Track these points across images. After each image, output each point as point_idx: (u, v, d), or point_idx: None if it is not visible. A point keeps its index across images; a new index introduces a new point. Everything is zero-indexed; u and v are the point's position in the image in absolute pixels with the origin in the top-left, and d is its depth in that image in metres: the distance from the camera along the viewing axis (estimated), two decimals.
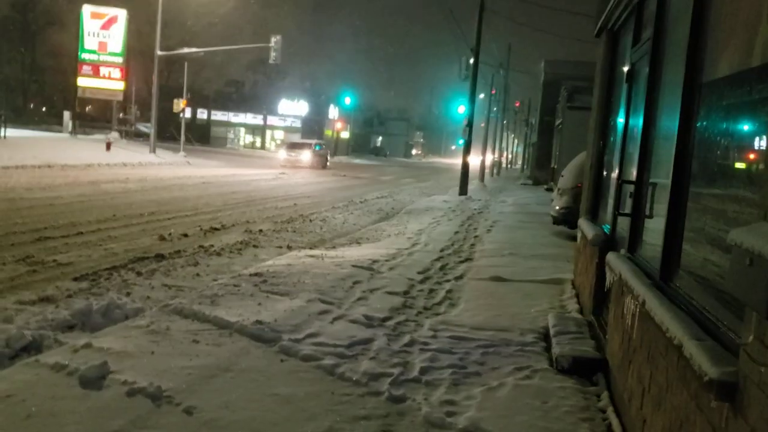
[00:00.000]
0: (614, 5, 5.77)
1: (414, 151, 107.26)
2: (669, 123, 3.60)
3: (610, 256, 4.25)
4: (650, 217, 3.85)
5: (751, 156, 2.37)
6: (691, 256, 2.98)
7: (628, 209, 4.40)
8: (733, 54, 2.69)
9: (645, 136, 4.21)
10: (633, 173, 4.44)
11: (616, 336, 3.97)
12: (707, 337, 2.26)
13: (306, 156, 35.03)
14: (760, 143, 2.26)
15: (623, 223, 4.63)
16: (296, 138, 69.16)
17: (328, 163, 38.03)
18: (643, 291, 3.02)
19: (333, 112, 74.01)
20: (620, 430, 3.42)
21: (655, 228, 3.73)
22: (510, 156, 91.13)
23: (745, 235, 1.68)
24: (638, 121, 4.48)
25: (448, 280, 7.50)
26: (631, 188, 4.40)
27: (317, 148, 36.76)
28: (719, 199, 2.77)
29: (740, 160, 2.51)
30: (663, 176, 3.61)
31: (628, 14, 5.56)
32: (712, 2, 3.07)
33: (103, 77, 36.55)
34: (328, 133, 73.44)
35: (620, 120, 5.42)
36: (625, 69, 5.36)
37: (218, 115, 68.67)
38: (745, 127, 2.46)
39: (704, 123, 3.00)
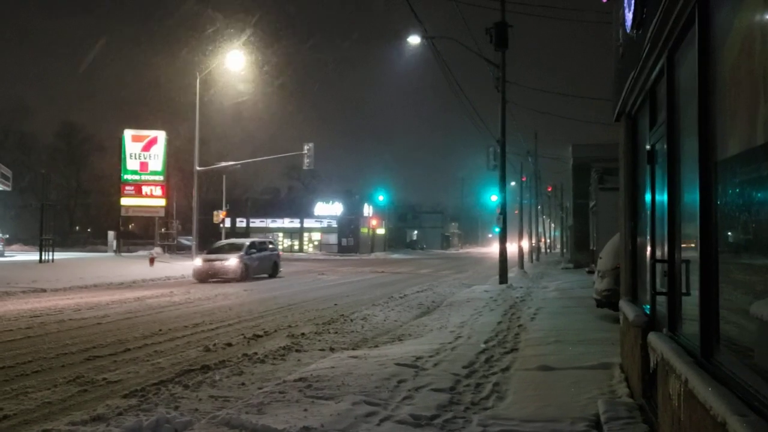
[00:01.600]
0: (629, 92, 6.00)
1: (452, 243, 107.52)
2: (692, 200, 3.68)
3: (651, 337, 4.22)
4: (687, 294, 3.85)
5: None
6: (730, 330, 2.97)
7: (664, 288, 4.40)
8: (740, 133, 2.82)
9: (671, 214, 4.28)
10: (665, 251, 4.47)
11: (666, 418, 3.87)
12: (750, 412, 2.24)
13: (232, 263, 23.90)
14: None
15: (662, 302, 4.61)
16: (332, 239, 70.38)
17: (280, 270, 27.01)
18: (685, 370, 3.00)
19: (367, 210, 75.39)
20: None
21: (693, 305, 3.72)
22: (548, 240, 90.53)
23: (764, 308, 1.74)
24: (663, 200, 4.56)
25: (494, 373, 7.39)
26: (665, 266, 4.42)
27: (252, 250, 25.41)
28: (748, 272, 2.80)
29: (760, 233, 2.57)
30: (693, 252, 3.65)
31: (642, 99, 5.77)
32: (716, 86, 3.23)
33: (145, 195, 38.35)
34: (364, 230, 74.48)
35: (647, 200, 5.50)
36: (647, 150, 5.49)
37: (257, 222, 70.60)
38: (760, 201, 2.54)
39: (724, 199, 3.09)
